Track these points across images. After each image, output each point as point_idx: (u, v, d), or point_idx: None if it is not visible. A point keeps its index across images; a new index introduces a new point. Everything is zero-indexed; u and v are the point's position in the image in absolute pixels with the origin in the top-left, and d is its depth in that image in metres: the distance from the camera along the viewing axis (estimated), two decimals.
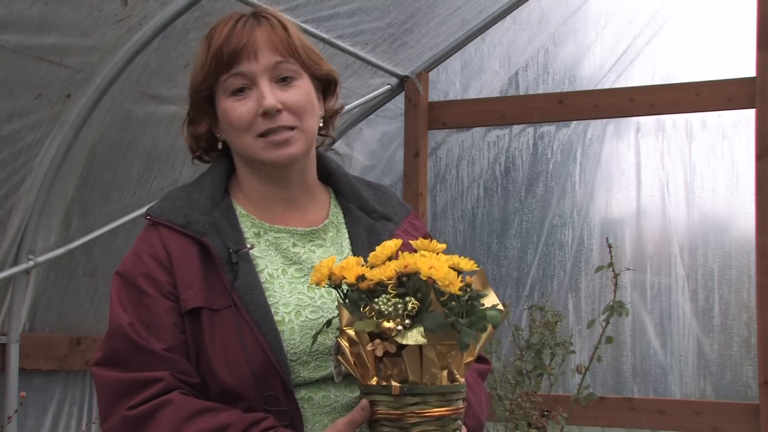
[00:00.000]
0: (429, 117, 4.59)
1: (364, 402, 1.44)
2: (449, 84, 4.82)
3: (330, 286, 1.48)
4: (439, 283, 1.38)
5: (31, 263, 3.24)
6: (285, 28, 1.62)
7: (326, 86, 1.71)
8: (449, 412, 1.43)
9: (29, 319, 3.39)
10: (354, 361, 1.44)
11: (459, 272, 1.43)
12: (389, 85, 4.53)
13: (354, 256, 1.62)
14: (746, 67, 4.01)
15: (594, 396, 3.56)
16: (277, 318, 1.54)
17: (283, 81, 1.60)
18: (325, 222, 1.68)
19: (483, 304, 1.45)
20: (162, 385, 1.49)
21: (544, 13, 4.72)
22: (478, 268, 1.47)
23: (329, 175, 1.74)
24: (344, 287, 1.47)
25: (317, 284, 1.47)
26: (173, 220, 1.58)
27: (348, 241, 1.68)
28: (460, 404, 1.46)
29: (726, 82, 4.07)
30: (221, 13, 3.36)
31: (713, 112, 4.28)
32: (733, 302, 4.26)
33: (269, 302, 1.55)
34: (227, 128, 1.61)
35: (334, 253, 1.65)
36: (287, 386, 1.51)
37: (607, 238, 3.55)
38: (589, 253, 4.54)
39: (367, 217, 1.70)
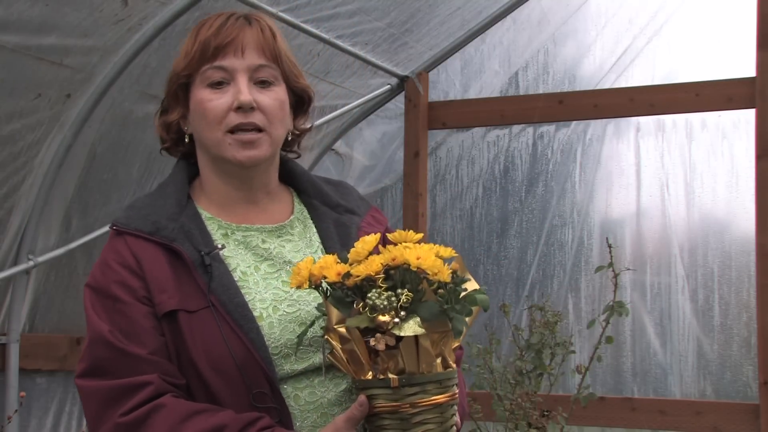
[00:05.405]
0: (429, 117, 4.59)
1: (362, 397, 1.45)
2: (449, 84, 4.82)
3: (311, 287, 1.48)
4: (428, 272, 1.40)
5: (31, 263, 3.24)
6: (273, 35, 1.65)
7: (300, 103, 1.73)
8: (447, 399, 1.45)
9: (29, 319, 3.40)
10: (347, 358, 1.45)
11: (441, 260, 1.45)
12: (389, 85, 4.53)
13: (324, 248, 1.67)
14: (746, 67, 4.01)
15: (594, 396, 3.56)
16: (255, 314, 1.55)
17: (262, 84, 1.63)
18: (291, 218, 1.71)
19: (466, 290, 1.47)
20: (152, 389, 1.49)
21: (544, 13, 4.72)
22: (455, 254, 1.48)
23: (290, 176, 1.77)
24: (324, 286, 1.47)
25: (299, 287, 1.48)
26: (141, 228, 1.59)
27: (317, 235, 1.71)
28: (455, 390, 1.48)
29: (726, 82, 4.07)
30: None
31: (713, 112, 4.28)
32: (733, 302, 4.25)
33: (245, 299, 1.56)
34: (199, 120, 1.63)
35: (304, 247, 1.68)
36: (272, 382, 1.52)
37: (607, 238, 3.55)
38: (589, 253, 4.54)
39: (332, 211, 1.73)
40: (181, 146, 1.70)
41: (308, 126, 1.76)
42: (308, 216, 1.73)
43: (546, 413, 3.49)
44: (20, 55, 2.86)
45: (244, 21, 1.64)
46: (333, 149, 4.65)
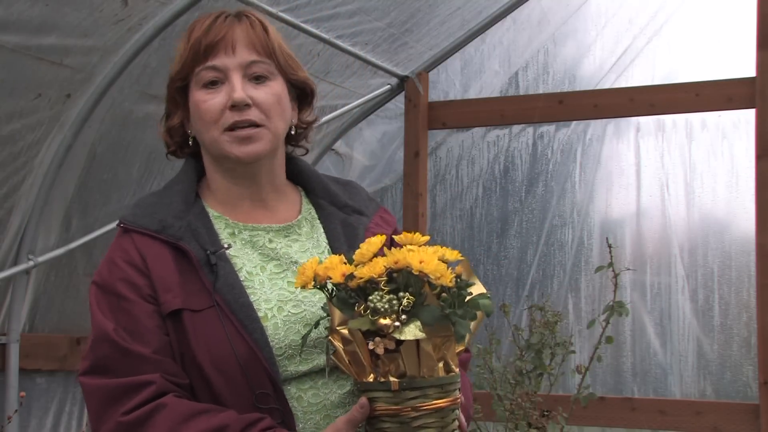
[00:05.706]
0: (429, 117, 4.59)
1: (363, 400, 1.45)
2: (449, 84, 4.82)
3: (316, 287, 1.48)
4: (430, 276, 1.39)
5: (31, 263, 3.24)
6: (265, 29, 1.65)
7: (303, 96, 1.72)
8: (448, 403, 1.45)
9: (29, 319, 3.39)
10: (349, 360, 1.44)
11: (446, 263, 1.44)
12: (389, 85, 4.53)
13: (331, 249, 1.66)
14: (746, 67, 4.01)
15: (594, 396, 3.56)
16: (259, 314, 1.55)
17: (257, 80, 1.62)
18: (299, 218, 1.70)
19: (471, 294, 1.46)
20: (154, 388, 1.49)
21: (544, 13, 4.72)
22: (462, 258, 1.48)
23: (298, 175, 1.77)
24: (329, 287, 1.47)
25: (303, 287, 1.48)
26: (147, 226, 1.59)
27: (324, 235, 1.70)
28: (457, 394, 1.48)
29: (726, 82, 4.07)
30: None
31: (713, 112, 4.28)
32: (733, 302, 4.26)
33: (250, 299, 1.56)
34: (197, 121, 1.63)
35: (311, 247, 1.67)
36: (276, 383, 1.52)
37: (607, 238, 3.55)
38: (589, 253, 4.54)
39: (340, 211, 1.72)
40: (187, 148, 1.70)
41: (313, 119, 1.75)
42: (316, 216, 1.73)
43: (546, 413, 3.49)
44: (20, 55, 2.86)
45: (234, 18, 1.63)
46: (333, 149, 4.65)
